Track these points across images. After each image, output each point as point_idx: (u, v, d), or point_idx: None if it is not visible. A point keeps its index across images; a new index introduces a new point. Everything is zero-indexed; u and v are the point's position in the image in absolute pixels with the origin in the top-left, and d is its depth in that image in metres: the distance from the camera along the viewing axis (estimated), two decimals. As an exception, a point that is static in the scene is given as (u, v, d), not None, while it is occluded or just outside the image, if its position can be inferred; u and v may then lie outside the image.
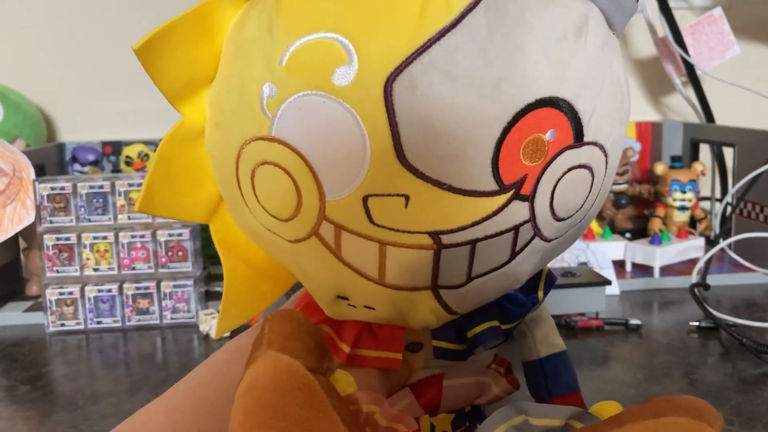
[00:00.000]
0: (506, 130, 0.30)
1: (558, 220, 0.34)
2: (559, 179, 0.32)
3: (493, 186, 0.30)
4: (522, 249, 0.34)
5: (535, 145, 0.31)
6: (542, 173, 0.31)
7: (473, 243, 0.32)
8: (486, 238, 0.32)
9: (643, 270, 0.81)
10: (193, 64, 0.34)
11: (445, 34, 0.29)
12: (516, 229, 0.32)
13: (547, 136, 0.31)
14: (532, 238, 0.33)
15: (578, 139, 0.32)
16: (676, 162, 0.91)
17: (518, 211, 0.32)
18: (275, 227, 0.34)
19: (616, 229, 0.92)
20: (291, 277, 0.41)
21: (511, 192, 0.31)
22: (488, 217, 0.31)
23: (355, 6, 0.29)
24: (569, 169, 0.32)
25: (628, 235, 0.91)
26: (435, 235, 0.31)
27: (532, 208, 0.32)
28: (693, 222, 0.92)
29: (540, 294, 0.39)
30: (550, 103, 0.30)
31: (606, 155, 0.34)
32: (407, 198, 0.30)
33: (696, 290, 0.67)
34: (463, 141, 0.29)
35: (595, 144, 0.33)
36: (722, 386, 0.54)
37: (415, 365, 0.39)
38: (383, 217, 0.31)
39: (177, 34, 0.32)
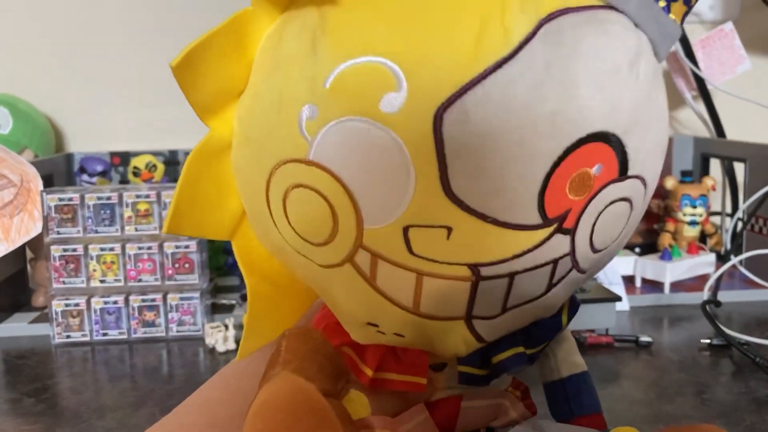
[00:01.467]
0: (556, 165, 0.29)
1: (595, 251, 0.33)
2: (601, 212, 0.32)
3: (537, 220, 0.30)
4: (558, 281, 0.33)
5: (581, 180, 0.30)
6: (586, 207, 0.31)
7: (512, 276, 0.31)
8: (525, 271, 0.31)
9: (653, 285, 0.81)
10: (226, 77, 0.33)
11: (502, 65, 0.28)
12: (555, 262, 0.32)
13: (594, 170, 0.30)
14: (570, 271, 0.33)
15: (623, 173, 0.31)
16: (686, 176, 0.91)
17: (559, 244, 0.31)
18: (306, 250, 0.33)
19: (626, 244, 0.91)
20: (313, 295, 0.40)
21: (554, 226, 0.31)
22: (529, 251, 0.31)
23: (408, 30, 0.29)
24: (611, 202, 0.32)
25: (637, 249, 0.90)
26: (474, 267, 0.31)
27: (572, 242, 0.32)
28: (703, 237, 0.91)
29: (564, 318, 0.39)
30: (601, 137, 0.30)
31: (646, 187, 0.33)
32: (449, 230, 0.30)
33: (707, 307, 0.66)
34: (512, 175, 0.29)
35: (637, 177, 0.32)
36: (735, 406, 0.53)
37: (438, 385, 0.39)
38: (423, 247, 0.30)
39: (212, 47, 0.32)
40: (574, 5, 0.30)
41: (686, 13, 0.34)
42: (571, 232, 0.31)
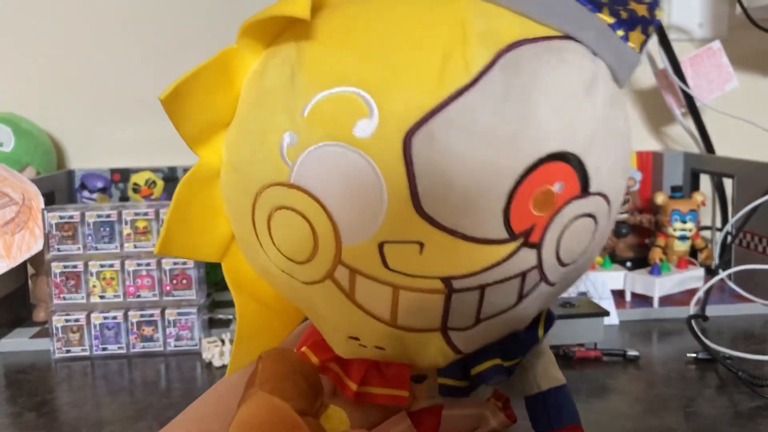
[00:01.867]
0: (518, 182, 0.31)
1: (562, 265, 0.35)
2: (565, 227, 0.33)
3: (503, 235, 0.32)
4: (528, 293, 0.35)
5: (544, 197, 0.32)
6: (550, 222, 0.33)
7: (483, 288, 0.33)
8: (495, 283, 0.33)
9: (642, 300, 0.82)
10: (213, 109, 0.35)
11: (463, 93, 0.30)
12: (523, 274, 0.33)
13: (556, 188, 0.32)
14: (538, 283, 0.34)
15: (584, 190, 0.33)
16: (676, 192, 0.92)
17: (526, 258, 0.33)
18: (290, 269, 0.35)
19: (617, 258, 0.92)
20: (301, 315, 0.42)
21: (521, 240, 0.32)
22: (498, 264, 0.32)
23: (377, 62, 0.31)
24: (575, 218, 0.33)
25: (628, 264, 0.92)
26: (446, 280, 0.32)
27: (539, 255, 0.33)
28: (694, 252, 0.93)
29: (540, 332, 0.40)
30: (560, 157, 0.32)
31: (609, 204, 0.35)
32: (422, 245, 0.32)
33: (693, 322, 0.67)
34: (477, 192, 0.31)
35: (599, 194, 0.34)
36: (719, 420, 0.55)
37: (419, 396, 0.40)
38: (398, 262, 0.32)
39: (199, 81, 0.33)
40: (533, 36, 0.32)
41: (645, 42, 0.36)
42: (538, 246, 0.33)
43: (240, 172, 0.35)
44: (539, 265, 0.34)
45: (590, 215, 0.34)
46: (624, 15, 0.36)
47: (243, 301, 0.41)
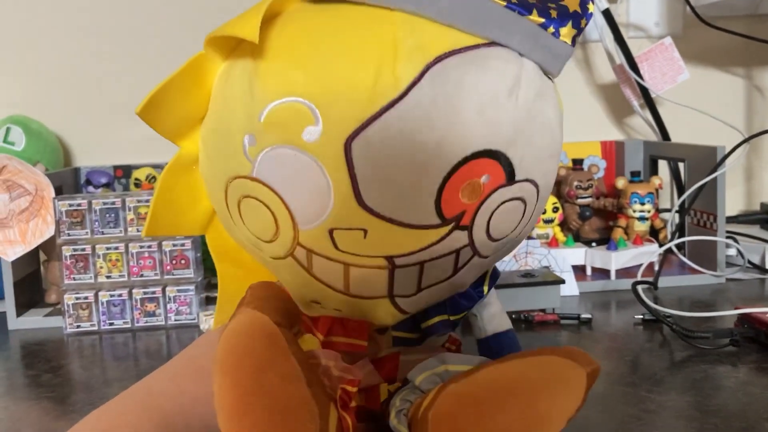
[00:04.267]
0: (446, 178, 0.36)
1: (494, 241, 0.40)
2: (494, 211, 0.38)
3: (436, 221, 0.37)
4: (463, 266, 0.40)
5: (471, 188, 0.37)
6: (479, 208, 0.38)
7: (422, 263, 0.39)
8: (432, 259, 0.39)
9: (604, 274, 0.89)
10: (189, 108, 0.40)
11: (395, 104, 0.35)
12: (457, 251, 0.39)
13: (482, 179, 0.37)
14: (472, 257, 0.40)
15: (510, 179, 0.38)
16: (635, 177, 0.99)
17: (459, 238, 0.38)
18: (258, 245, 0.41)
19: (582, 239, 1.00)
20: (274, 279, 0.48)
21: (452, 224, 0.37)
22: (433, 244, 0.38)
23: (320, 77, 0.35)
24: (503, 203, 0.38)
25: (593, 244, 0.99)
26: (389, 258, 0.38)
27: (470, 236, 0.39)
28: (655, 232, 1.00)
29: (485, 288, 0.47)
30: (486, 154, 0.36)
31: (537, 187, 0.40)
32: (365, 231, 0.37)
33: (639, 288, 0.75)
34: (410, 188, 0.36)
35: (527, 180, 0.39)
36: (656, 366, 0.62)
37: (382, 344, 0.47)
38: (346, 245, 0.38)
39: (173, 88, 0.38)
40: (461, 46, 0.36)
41: (577, 34, 0.40)
42: (468, 228, 0.38)
43: (213, 162, 0.40)
44: (471, 243, 0.39)
45: (519, 198, 0.39)
46: (554, 14, 0.39)
47: (224, 267, 0.47)
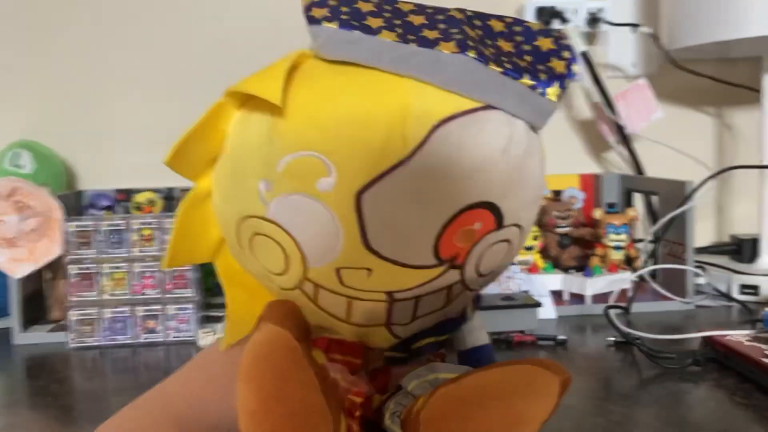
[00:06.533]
0: (444, 226, 0.39)
1: (482, 276, 0.44)
2: (484, 251, 0.42)
3: (433, 261, 0.40)
4: (454, 299, 0.44)
5: (466, 234, 0.40)
6: (471, 250, 0.41)
7: (417, 298, 0.42)
8: (427, 294, 0.42)
9: (579, 299, 0.94)
10: (205, 151, 0.43)
11: (403, 163, 0.38)
12: (450, 286, 0.43)
13: (475, 226, 0.40)
14: (462, 291, 0.44)
15: (499, 225, 0.41)
16: (611, 208, 1.05)
17: (452, 276, 0.42)
18: (269, 276, 0.43)
19: (561, 267, 1.05)
20: None
21: (447, 264, 0.41)
22: (429, 282, 0.41)
23: (336, 137, 0.38)
24: (492, 244, 0.42)
25: (572, 271, 1.04)
26: (389, 293, 0.41)
27: (462, 273, 0.42)
28: (630, 261, 1.05)
29: (469, 311, 0.51)
30: (480, 205, 0.40)
31: (521, 229, 0.43)
32: (369, 270, 0.40)
33: (611, 312, 0.80)
34: (413, 235, 0.39)
35: (513, 225, 0.42)
36: (620, 381, 0.67)
37: (375, 359, 0.50)
38: (351, 281, 0.41)
39: (195, 137, 0.41)
40: (462, 109, 0.39)
41: (562, 93, 0.42)
42: (461, 267, 0.42)
43: (228, 201, 0.43)
44: (462, 280, 0.43)
45: (505, 240, 0.43)
46: (543, 76, 0.41)
47: (233, 292, 0.49)
